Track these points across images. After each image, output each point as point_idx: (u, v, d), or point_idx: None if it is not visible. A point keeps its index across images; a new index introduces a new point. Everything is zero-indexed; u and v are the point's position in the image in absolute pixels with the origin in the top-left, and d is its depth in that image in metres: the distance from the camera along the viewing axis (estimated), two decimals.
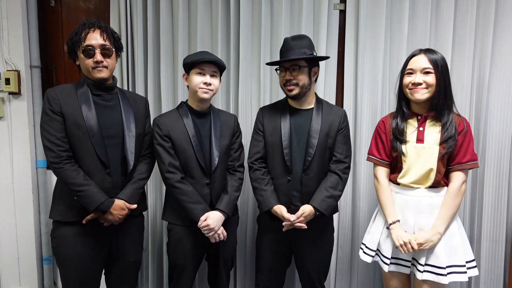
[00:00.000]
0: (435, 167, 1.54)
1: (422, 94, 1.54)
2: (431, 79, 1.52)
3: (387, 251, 1.62)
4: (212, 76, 1.70)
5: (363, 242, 1.76)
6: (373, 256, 1.70)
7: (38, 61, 2.35)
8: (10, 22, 2.26)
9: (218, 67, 1.73)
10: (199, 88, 1.67)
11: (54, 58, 2.42)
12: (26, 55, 2.30)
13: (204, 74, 1.68)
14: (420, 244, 1.52)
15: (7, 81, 2.26)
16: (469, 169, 1.57)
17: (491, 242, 2.06)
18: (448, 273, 1.50)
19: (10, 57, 2.29)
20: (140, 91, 2.24)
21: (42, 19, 2.38)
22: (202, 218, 1.66)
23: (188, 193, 1.67)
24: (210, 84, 1.68)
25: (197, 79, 1.67)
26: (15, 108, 2.33)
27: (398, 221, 1.61)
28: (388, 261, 1.62)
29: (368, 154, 1.77)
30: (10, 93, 2.30)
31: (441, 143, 1.53)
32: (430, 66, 1.51)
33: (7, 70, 2.28)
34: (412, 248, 1.51)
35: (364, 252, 1.73)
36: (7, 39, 2.28)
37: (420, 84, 1.53)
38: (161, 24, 2.20)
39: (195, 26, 2.19)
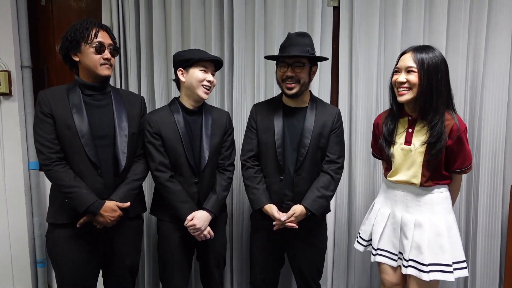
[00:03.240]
0: (419, 173, 1.52)
1: (404, 96, 1.50)
2: (414, 78, 1.47)
3: (375, 242, 1.65)
4: (212, 74, 1.72)
5: (359, 231, 1.78)
6: (365, 246, 1.72)
7: (29, 61, 2.31)
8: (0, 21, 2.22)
9: (215, 67, 1.75)
10: (202, 85, 1.67)
11: (45, 58, 2.39)
12: (17, 55, 2.26)
13: (206, 72, 1.69)
14: None
15: None
16: (468, 172, 1.60)
17: (486, 237, 2.07)
18: (430, 271, 1.47)
19: (0, 57, 2.25)
20: (133, 89, 2.21)
21: (33, 19, 2.34)
22: (189, 217, 1.66)
23: (176, 192, 1.67)
24: (212, 82, 1.70)
25: (201, 75, 1.67)
26: (6, 109, 2.29)
27: None
28: (374, 252, 1.65)
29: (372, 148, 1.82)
30: (1, 94, 2.26)
31: (426, 148, 1.50)
32: (414, 65, 1.47)
33: None
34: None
35: (357, 241, 1.76)
36: None
37: (403, 83, 1.50)
38: (153, 21, 2.17)
39: (188, 23, 2.17)
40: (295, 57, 1.64)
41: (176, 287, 1.76)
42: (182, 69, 1.70)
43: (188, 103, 1.73)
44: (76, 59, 1.56)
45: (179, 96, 1.78)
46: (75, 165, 1.54)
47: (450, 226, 1.54)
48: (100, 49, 1.54)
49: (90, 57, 1.53)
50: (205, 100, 1.78)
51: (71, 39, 1.53)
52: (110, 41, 1.58)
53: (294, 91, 1.66)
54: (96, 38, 1.53)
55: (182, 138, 1.68)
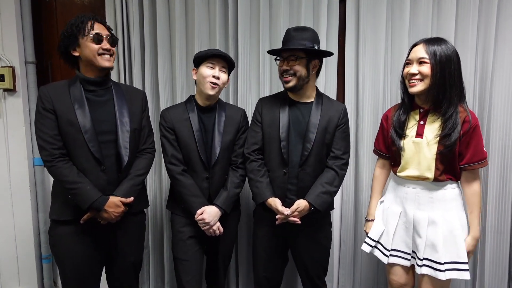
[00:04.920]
0: (433, 166, 1.49)
1: (416, 87, 1.48)
2: (426, 69, 1.46)
3: (388, 243, 1.61)
4: (220, 70, 1.72)
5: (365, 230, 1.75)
6: (372, 247, 1.68)
7: (33, 57, 2.31)
8: (3, 17, 2.22)
9: (227, 64, 1.75)
10: (208, 81, 1.69)
11: (49, 54, 2.38)
12: (21, 51, 2.26)
13: (213, 68, 1.70)
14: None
15: (2, 78, 2.21)
16: (479, 168, 1.52)
17: (495, 233, 2.04)
18: (447, 270, 1.44)
19: (4, 53, 2.25)
20: (137, 85, 2.20)
21: (37, 15, 2.34)
22: (199, 211, 1.68)
23: (188, 185, 1.70)
24: (218, 78, 1.70)
25: (207, 72, 1.70)
26: (10, 105, 2.29)
27: (372, 220, 1.70)
28: (388, 253, 1.61)
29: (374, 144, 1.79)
30: (5, 90, 2.26)
31: (439, 140, 1.47)
32: (426, 56, 1.46)
33: (1, 67, 2.24)
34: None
35: (365, 242, 1.72)
36: (0, 35, 2.23)
37: (415, 74, 1.48)
38: (157, 17, 2.16)
39: (192, 18, 2.16)
40: (289, 50, 1.65)
41: (188, 282, 1.73)
42: (195, 68, 1.77)
43: (201, 101, 1.77)
44: (76, 54, 1.55)
45: (195, 94, 1.81)
46: (78, 161, 1.53)
47: (463, 223, 1.52)
48: (98, 39, 1.53)
49: (89, 47, 1.52)
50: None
51: (69, 35, 1.52)
52: (107, 32, 1.57)
53: (290, 84, 1.68)
54: (93, 30, 1.53)
55: (194, 134, 1.71)
